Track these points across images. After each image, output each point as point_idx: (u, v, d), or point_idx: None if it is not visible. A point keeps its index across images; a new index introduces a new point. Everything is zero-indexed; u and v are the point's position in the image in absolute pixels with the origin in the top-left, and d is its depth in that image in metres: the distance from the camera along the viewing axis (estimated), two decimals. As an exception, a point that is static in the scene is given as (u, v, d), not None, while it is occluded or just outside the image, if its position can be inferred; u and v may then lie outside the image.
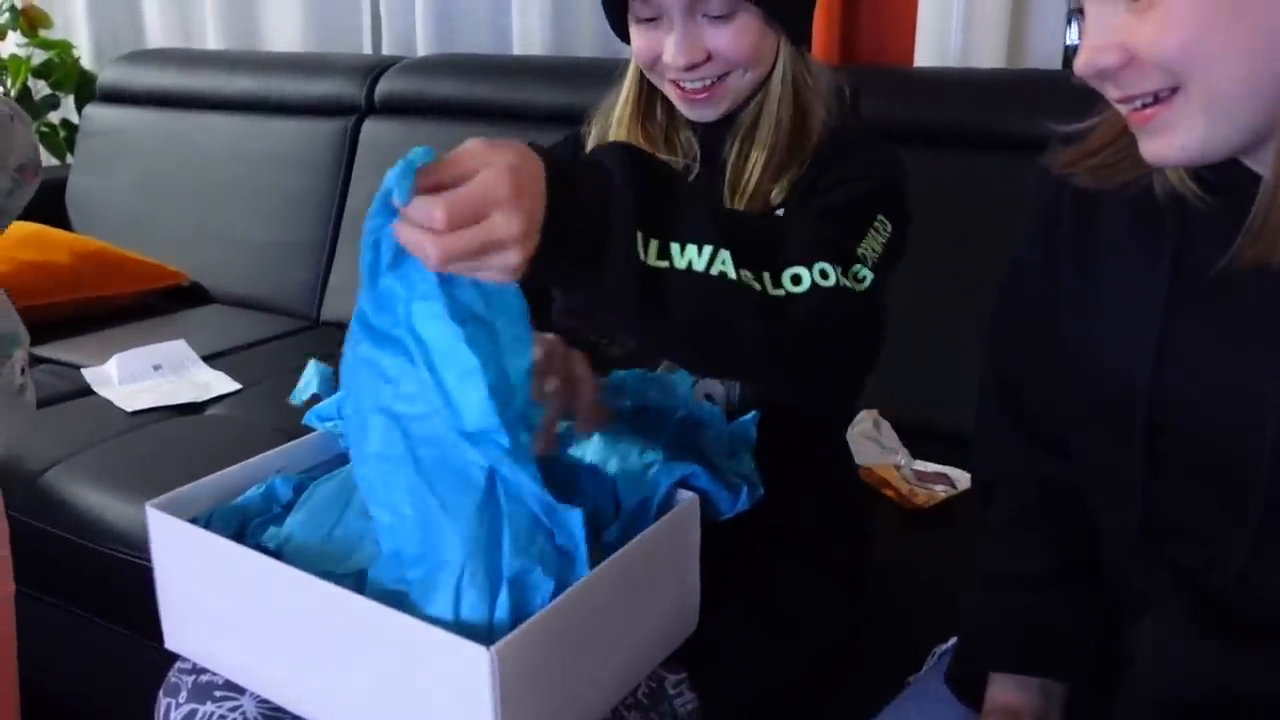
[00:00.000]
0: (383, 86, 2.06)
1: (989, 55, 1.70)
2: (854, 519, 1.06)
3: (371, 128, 2.06)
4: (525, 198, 0.61)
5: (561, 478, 0.72)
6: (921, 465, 1.32)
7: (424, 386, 0.65)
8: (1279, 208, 0.64)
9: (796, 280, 0.73)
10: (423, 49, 2.26)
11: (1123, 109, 0.68)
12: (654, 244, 0.67)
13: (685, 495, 0.75)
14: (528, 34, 2.14)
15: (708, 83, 0.96)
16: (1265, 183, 0.65)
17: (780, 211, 0.95)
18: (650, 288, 0.67)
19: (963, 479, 1.27)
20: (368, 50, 2.40)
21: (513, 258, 0.61)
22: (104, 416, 1.59)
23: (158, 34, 2.67)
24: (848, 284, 0.76)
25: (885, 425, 1.39)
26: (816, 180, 0.93)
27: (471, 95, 1.98)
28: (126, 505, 1.36)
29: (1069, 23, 0.70)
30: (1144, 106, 0.66)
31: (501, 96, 1.93)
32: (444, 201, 0.60)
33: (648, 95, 1.03)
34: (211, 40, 2.55)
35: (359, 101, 2.08)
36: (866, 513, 1.11)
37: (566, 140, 1.11)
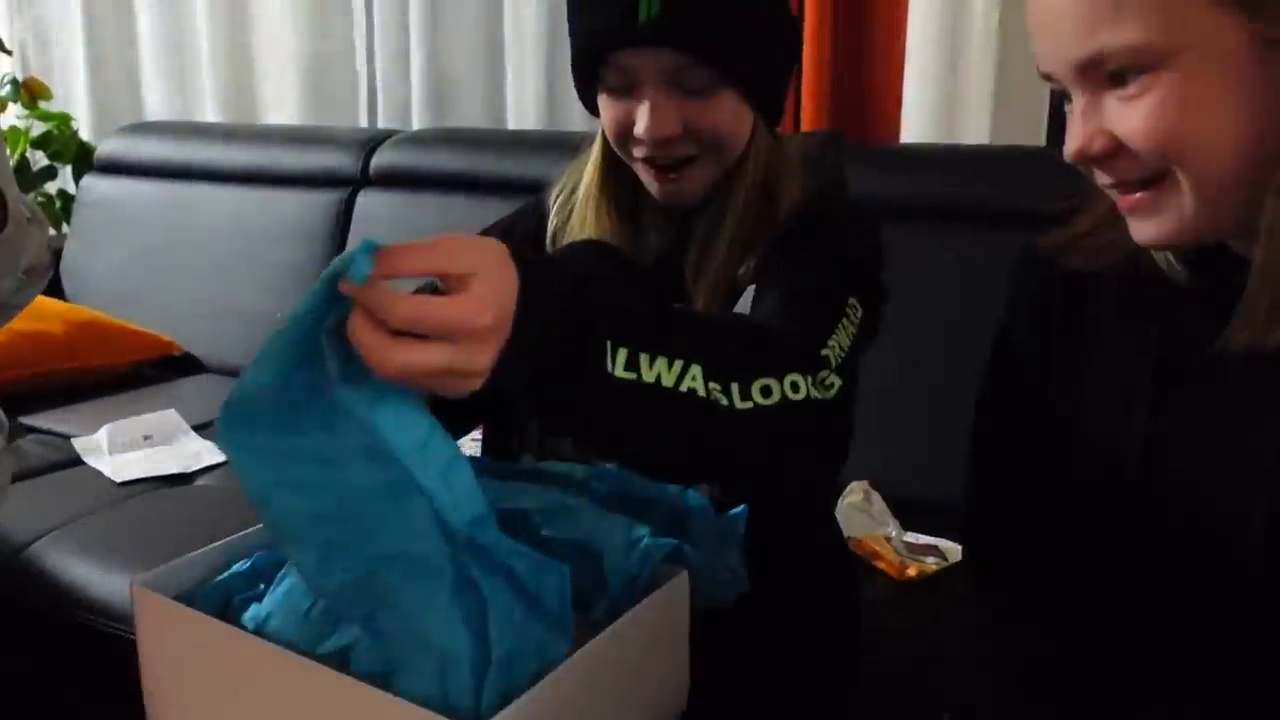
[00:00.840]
0: (378, 159, 2.09)
1: (974, 132, 1.73)
2: (842, 591, 1.05)
3: (367, 199, 2.08)
4: (501, 329, 0.57)
5: (546, 555, 0.72)
6: (912, 537, 1.32)
7: (353, 495, 0.61)
8: (1269, 290, 0.65)
9: (766, 392, 0.70)
10: (418, 122, 2.30)
11: (1112, 193, 0.69)
12: (622, 354, 0.63)
13: (675, 571, 0.75)
14: (522, 108, 2.18)
15: (680, 161, 0.91)
16: (1255, 266, 0.65)
17: (750, 290, 0.91)
18: (614, 401, 0.63)
19: (953, 551, 1.27)
20: (364, 123, 2.44)
21: (474, 384, 0.57)
22: (93, 487, 1.58)
23: (157, 107, 2.71)
24: (817, 394, 0.73)
25: (876, 497, 1.39)
26: (786, 253, 0.90)
27: (466, 168, 2.01)
28: (114, 578, 1.35)
29: (1061, 100, 0.71)
30: (1134, 191, 0.67)
31: (495, 170, 1.96)
32: (413, 305, 0.54)
33: (616, 170, 0.98)
34: (210, 113, 2.59)
35: (355, 174, 2.11)
36: (854, 584, 1.10)
37: (527, 208, 1.07)
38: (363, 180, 2.11)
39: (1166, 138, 0.63)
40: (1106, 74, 0.64)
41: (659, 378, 0.65)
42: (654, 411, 0.65)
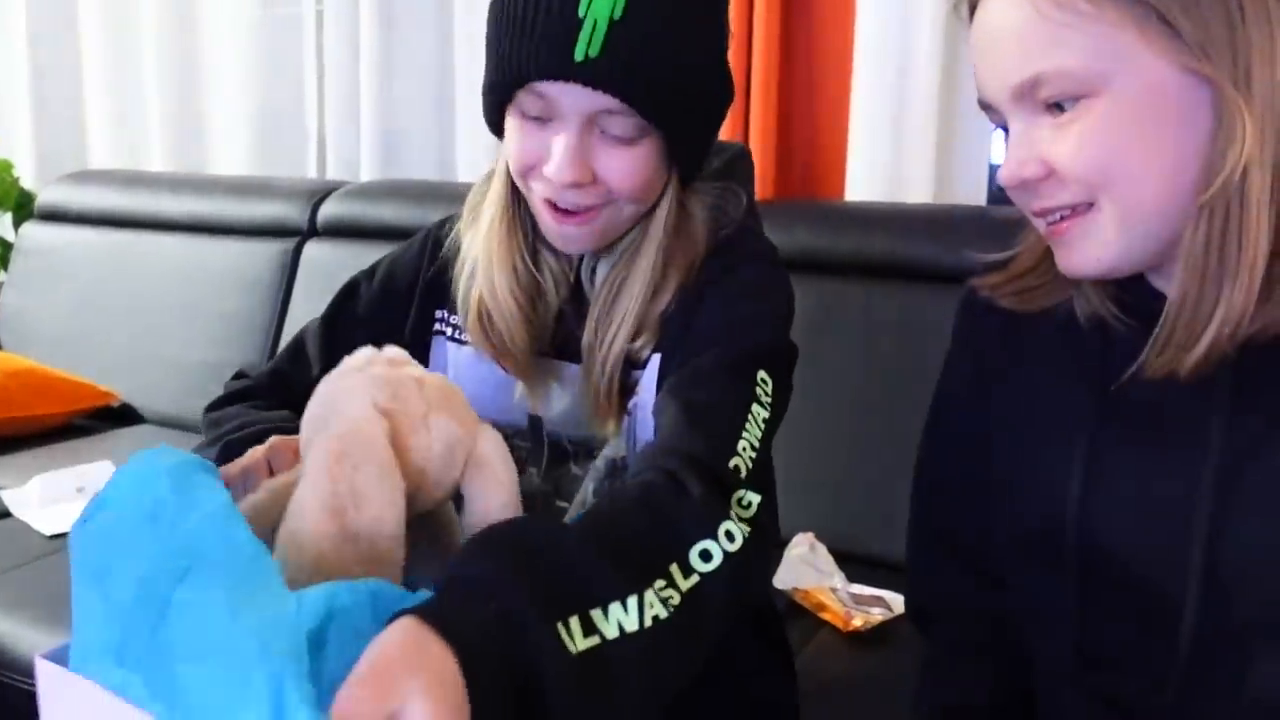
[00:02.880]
0: (325, 210, 2.08)
1: (917, 190, 1.77)
2: (777, 647, 1.03)
3: (313, 250, 2.07)
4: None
5: None
6: (858, 588, 1.32)
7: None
8: (1183, 324, 0.67)
9: (706, 556, 0.67)
10: (366, 174, 2.30)
11: (1040, 223, 0.71)
12: (575, 622, 0.57)
13: None
14: (473, 161, 2.19)
15: (585, 207, 0.85)
16: (1170, 300, 0.68)
17: (653, 358, 0.88)
18: (590, 673, 0.57)
19: (898, 602, 1.27)
20: (313, 174, 2.43)
21: None
22: (21, 541, 1.53)
23: (102, 155, 2.68)
24: (743, 528, 0.70)
25: (821, 549, 1.39)
26: (688, 326, 0.86)
27: (413, 220, 1.99)
28: (35, 635, 1.31)
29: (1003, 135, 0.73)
30: (1061, 219, 0.69)
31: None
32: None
33: (516, 205, 0.91)
34: (157, 162, 2.57)
35: (302, 224, 2.09)
36: (785, 638, 1.05)
37: (422, 242, 1.01)
38: (310, 231, 2.09)
39: (1094, 164, 0.66)
40: (1042, 100, 0.66)
41: (620, 626, 0.60)
42: (634, 660, 0.60)
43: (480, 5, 2.12)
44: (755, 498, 0.73)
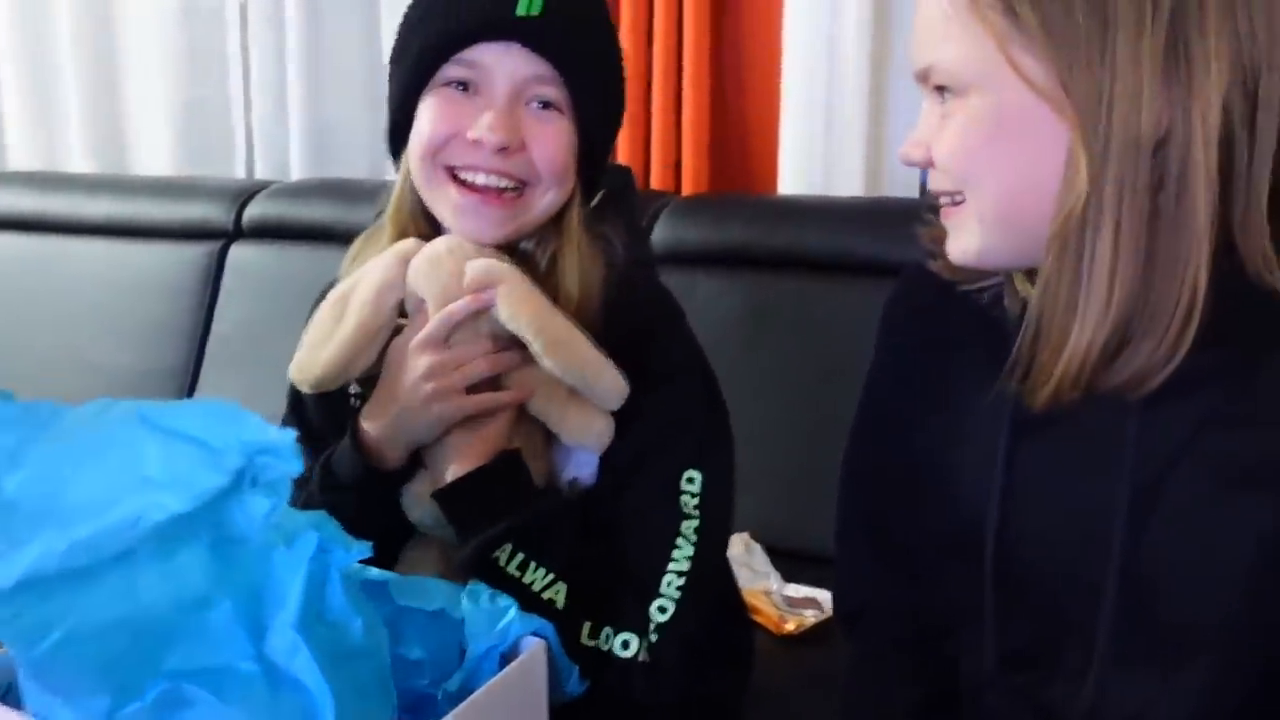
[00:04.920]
0: (252, 211, 2.03)
1: (847, 184, 1.77)
2: (739, 650, 1.04)
3: (239, 252, 2.02)
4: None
5: (395, 629, 0.69)
6: (792, 590, 1.32)
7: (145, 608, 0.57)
8: (1039, 354, 0.68)
9: (605, 639, 0.84)
10: (297, 173, 2.24)
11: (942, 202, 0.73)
12: (518, 557, 0.83)
13: (532, 641, 0.72)
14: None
15: (505, 185, 0.84)
16: (1024, 326, 0.68)
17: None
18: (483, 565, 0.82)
19: (830, 601, 1.27)
20: (241, 173, 2.37)
21: None
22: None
23: (20, 155, 2.59)
24: (644, 656, 0.84)
25: (757, 549, 1.39)
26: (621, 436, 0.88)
27: (344, 220, 1.95)
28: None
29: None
30: (950, 203, 0.72)
31: (370, 222, 1.91)
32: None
33: (419, 218, 0.89)
34: (78, 162, 2.49)
35: (227, 226, 2.04)
36: (749, 641, 1.08)
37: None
38: (235, 233, 2.04)
39: (957, 160, 0.69)
40: (933, 86, 0.69)
41: (533, 582, 0.83)
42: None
43: (407, -2, 2.09)
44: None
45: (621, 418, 0.87)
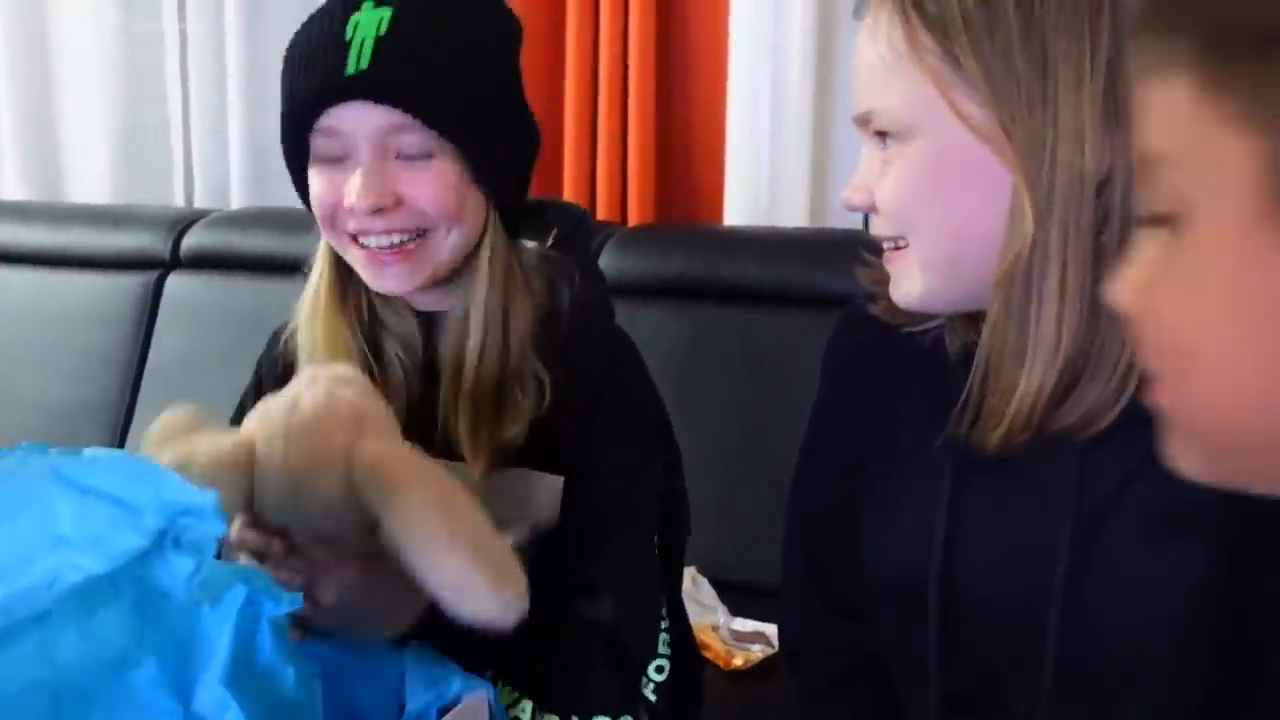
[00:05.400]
0: (189, 240, 1.99)
1: (792, 214, 1.78)
2: (689, 685, 1.02)
3: (176, 282, 1.98)
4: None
5: (333, 681, 0.67)
6: (740, 624, 1.32)
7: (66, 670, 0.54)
8: (988, 397, 0.68)
9: None
10: (237, 200, 2.21)
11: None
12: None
13: (474, 692, 0.71)
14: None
15: (400, 240, 0.82)
16: (975, 364, 0.69)
17: (543, 476, 0.87)
18: None
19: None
20: (180, 200, 2.33)
21: None
22: None
23: (-50, 183, 2.53)
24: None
25: (704, 583, 1.38)
26: (570, 449, 0.86)
27: (286, 250, 1.91)
28: None
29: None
30: (891, 249, 0.71)
31: (310, 252, 1.89)
32: None
33: (344, 280, 0.88)
34: (10, 189, 2.43)
35: (164, 255, 2.00)
36: (698, 676, 1.06)
37: (265, 351, 0.98)
38: (172, 262, 2.00)
39: (900, 205, 0.68)
40: (874, 131, 0.69)
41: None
42: None
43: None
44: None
45: (583, 465, 0.86)
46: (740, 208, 1.80)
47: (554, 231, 0.92)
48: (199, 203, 2.28)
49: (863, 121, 0.70)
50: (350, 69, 0.79)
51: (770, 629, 1.29)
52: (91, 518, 0.56)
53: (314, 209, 0.86)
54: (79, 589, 0.54)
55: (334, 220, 0.84)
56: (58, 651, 0.54)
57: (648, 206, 1.80)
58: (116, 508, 0.56)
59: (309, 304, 0.90)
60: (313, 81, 0.82)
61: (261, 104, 2.20)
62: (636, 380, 0.92)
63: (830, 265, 1.55)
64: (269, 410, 0.72)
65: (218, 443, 0.71)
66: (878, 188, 0.69)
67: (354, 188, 0.81)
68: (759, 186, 1.78)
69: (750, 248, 1.71)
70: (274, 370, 0.96)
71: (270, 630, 0.58)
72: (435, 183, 0.82)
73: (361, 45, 0.79)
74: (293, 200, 2.34)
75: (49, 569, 0.55)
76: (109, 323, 1.97)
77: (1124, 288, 0.45)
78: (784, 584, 0.90)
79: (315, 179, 0.85)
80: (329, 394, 0.72)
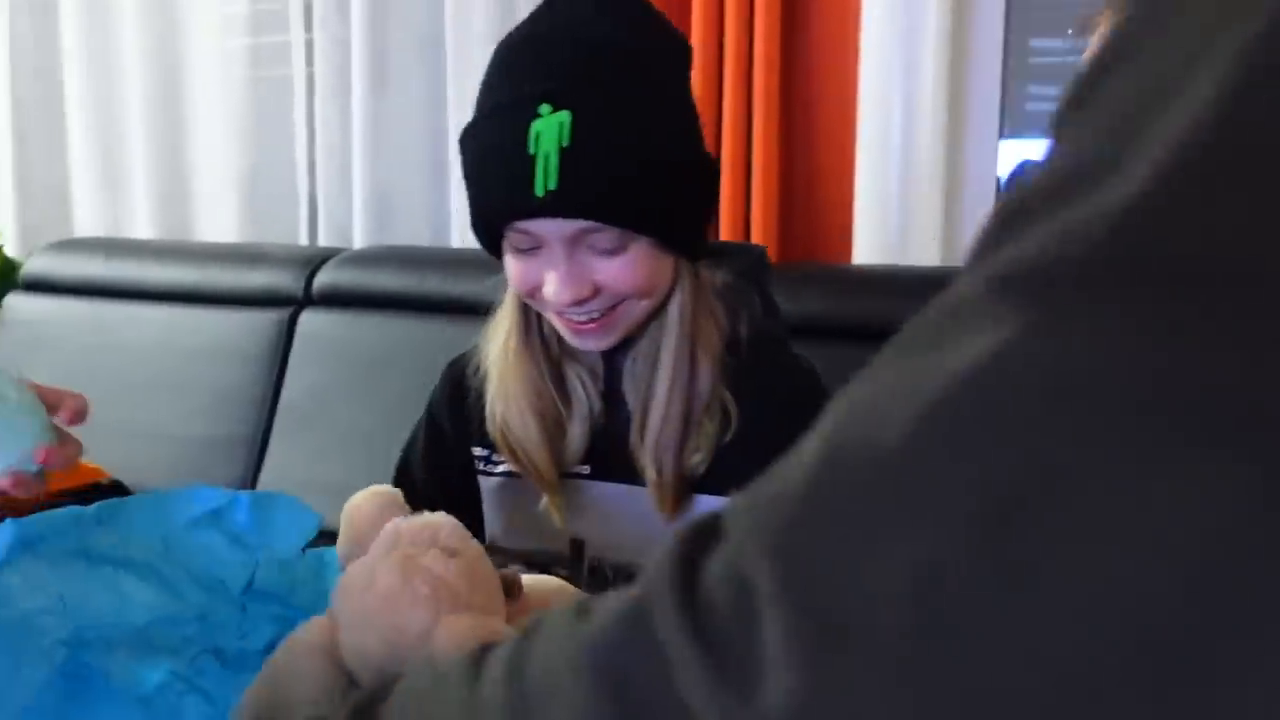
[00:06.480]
0: (322, 278, 2.04)
1: (923, 253, 1.75)
2: None
3: (310, 319, 2.03)
4: None
5: None
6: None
7: None
8: None
9: None
10: (359, 240, 2.26)
11: None
12: None
13: None
14: (466, 226, 2.14)
15: (596, 315, 0.86)
16: None
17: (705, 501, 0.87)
18: None
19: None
20: (304, 240, 2.39)
21: None
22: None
23: (86, 222, 2.63)
24: None
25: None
26: (751, 474, 0.84)
27: (410, 288, 1.97)
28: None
29: None
30: None
31: (440, 289, 1.93)
32: None
33: (531, 322, 0.93)
34: (142, 229, 2.53)
35: (297, 293, 2.05)
36: None
37: (443, 381, 1.01)
38: (305, 300, 2.05)
39: None
40: None
41: None
42: None
43: (472, 67, 2.11)
44: None
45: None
46: (869, 246, 1.78)
47: (726, 275, 0.93)
48: (321, 242, 2.34)
49: None
50: (538, 190, 0.80)
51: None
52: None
53: (512, 285, 0.90)
54: None
55: (534, 298, 0.88)
56: None
57: (771, 244, 1.79)
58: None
59: (501, 338, 0.94)
60: (500, 196, 0.85)
61: (384, 145, 2.25)
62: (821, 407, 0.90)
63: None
64: (348, 588, 0.63)
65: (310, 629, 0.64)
66: None
67: (552, 285, 0.84)
68: (889, 224, 1.76)
69: (879, 287, 1.69)
70: (455, 406, 0.99)
71: None
72: (629, 269, 0.85)
73: (546, 161, 0.80)
74: (412, 239, 2.39)
75: None
76: (243, 359, 2.02)
77: None
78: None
79: (512, 263, 0.88)
80: (404, 568, 0.62)
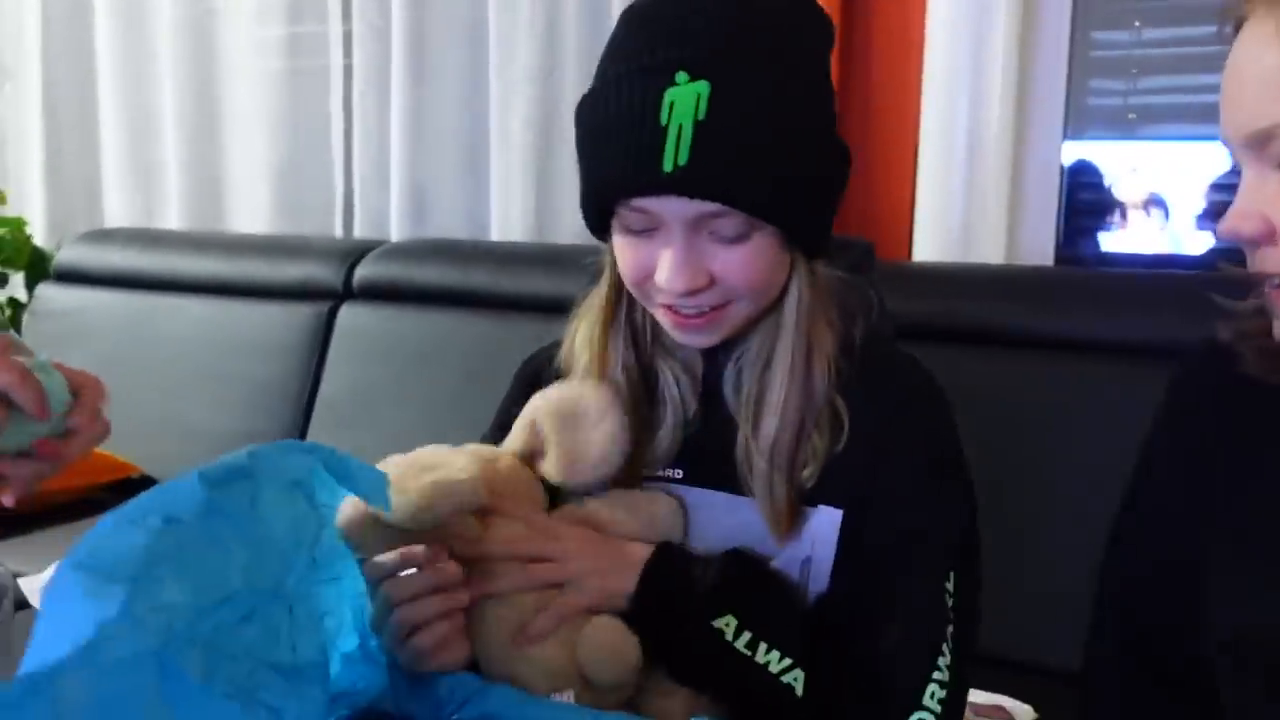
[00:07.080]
0: (362, 271, 1.99)
1: (986, 249, 1.70)
2: None
3: (350, 313, 1.98)
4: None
5: None
6: (975, 696, 1.22)
7: None
8: None
9: None
10: (396, 233, 2.21)
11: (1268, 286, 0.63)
12: (745, 633, 0.77)
13: None
14: (506, 220, 2.11)
15: (705, 309, 0.80)
16: None
17: (823, 510, 0.82)
18: (713, 658, 0.76)
19: (1020, 710, 1.17)
20: (338, 233, 2.34)
21: None
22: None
23: (116, 212, 2.59)
24: None
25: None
26: (862, 493, 0.80)
27: (452, 281, 1.92)
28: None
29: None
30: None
31: (483, 283, 1.88)
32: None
33: (621, 312, 0.87)
34: (173, 219, 2.48)
35: (337, 286, 2.00)
36: None
37: (514, 385, 0.95)
38: (345, 293, 2.00)
39: None
40: (1275, 154, 0.59)
41: (768, 664, 0.76)
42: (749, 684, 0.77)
43: (511, 58, 2.06)
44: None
45: (874, 497, 0.80)
46: (930, 243, 1.72)
47: (838, 274, 0.86)
48: (358, 234, 2.29)
49: (1258, 142, 0.60)
50: (667, 165, 0.73)
51: (1009, 702, 1.19)
52: None
53: (622, 273, 0.83)
54: None
55: (642, 285, 0.81)
56: None
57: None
58: None
59: (586, 330, 0.88)
60: (624, 167, 0.76)
61: (423, 141, 2.20)
62: (943, 416, 0.85)
63: (1025, 303, 1.50)
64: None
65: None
66: (1278, 215, 0.60)
67: (666, 268, 0.77)
68: (952, 221, 1.70)
69: (942, 284, 1.62)
70: (534, 386, 0.92)
71: None
72: (749, 262, 0.78)
73: (679, 133, 0.73)
74: (449, 233, 2.34)
75: None
76: (283, 352, 1.98)
77: None
78: (1093, 658, 0.81)
79: (623, 246, 0.81)
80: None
